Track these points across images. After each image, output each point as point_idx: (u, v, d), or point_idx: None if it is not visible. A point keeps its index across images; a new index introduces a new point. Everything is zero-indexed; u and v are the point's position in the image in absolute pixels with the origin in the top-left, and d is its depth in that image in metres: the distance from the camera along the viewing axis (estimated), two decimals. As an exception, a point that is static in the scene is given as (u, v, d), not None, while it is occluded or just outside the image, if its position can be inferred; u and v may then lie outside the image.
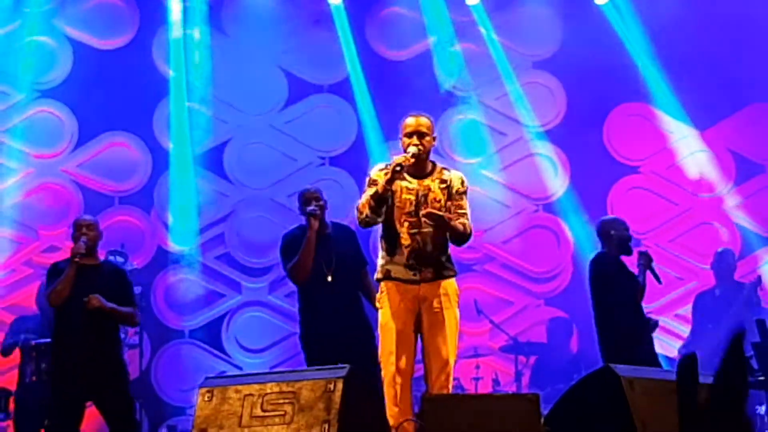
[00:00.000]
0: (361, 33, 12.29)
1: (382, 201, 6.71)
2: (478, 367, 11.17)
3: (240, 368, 11.66)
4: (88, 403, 8.25)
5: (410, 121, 6.87)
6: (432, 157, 7.00)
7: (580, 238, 12.08)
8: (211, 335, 11.98)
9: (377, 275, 6.91)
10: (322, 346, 8.14)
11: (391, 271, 6.82)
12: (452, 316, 6.78)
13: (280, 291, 12.03)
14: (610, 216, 9.58)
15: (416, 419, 6.41)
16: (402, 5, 12.38)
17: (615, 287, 8.82)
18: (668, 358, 10.32)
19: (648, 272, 8.95)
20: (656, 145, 12.42)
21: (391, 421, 6.59)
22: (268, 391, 6.14)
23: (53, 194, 11.91)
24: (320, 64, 12.32)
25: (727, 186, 12.26)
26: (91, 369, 8.06)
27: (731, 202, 12.22)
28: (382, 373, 6.76)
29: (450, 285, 6.83)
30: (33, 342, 9.51)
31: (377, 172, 6.79)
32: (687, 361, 5.51)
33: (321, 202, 8.36)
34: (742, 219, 12.18)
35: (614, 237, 9.00)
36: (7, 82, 11.85)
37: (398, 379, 6.70)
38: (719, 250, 11.30)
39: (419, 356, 6.85)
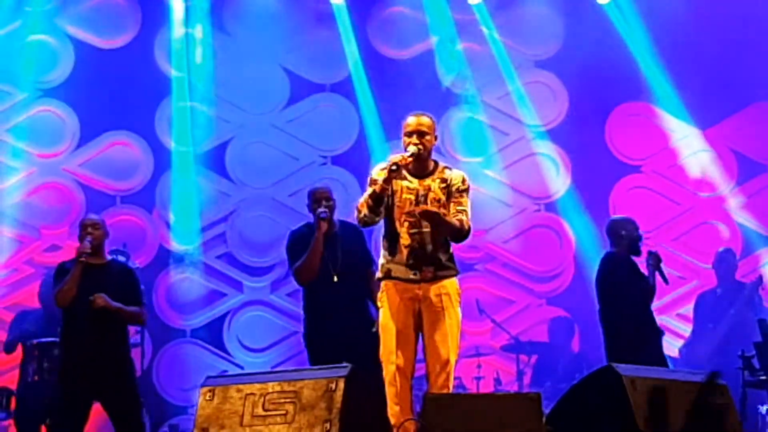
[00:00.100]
0: (363, 32, 12.28)
1: (380, 200, 6.70)
2: (479, 366, 11.16)
3: (241, 367, 11.66)
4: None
5: (411, 121, 6.87)
6: (434, 156, 6.99)
7: (582, 238, 12.09)
8: (213, 334, 11.97)
9: (378, 274, 6.92)
10: (326, 345, 8.13)
11: (392, 270, 6.82)
12: (453, 315, 6.78)
13: (282, 290, 12.03)
14: (620, 216, 9.56)
15: (418, 418, 6.41)
16: (404, 4, 12.37)
17: (626, 288, 8.81)
18: (670, 358, 10.31)
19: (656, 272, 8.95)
20: (658, 145, 12.41)
21: (392, 420, 6.60)
22: (270, 390, 6.15)
23: (55, 193, 11.90)
24: (322, 63, 12.32)
25: (729, 185, 12.25)
26: (97, 369, 8.05)
27: (733, 201, 12.21)
28: (383, 372, 6.75)
29: (451, 284, 6.83)
30: (35, 341, 9.51)
31: (378, 171, 6.79)
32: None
33: (331, 202, 8.33)
34: (743, 218, 12.17)
35: (625, 237, 9.01)
36: (9, 81, 11.84)
37: (398, 378, 6.70)
38: (720, 249, 11.30)
39: (421, 355, 6.86)
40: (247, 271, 12.10)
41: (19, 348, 9.87)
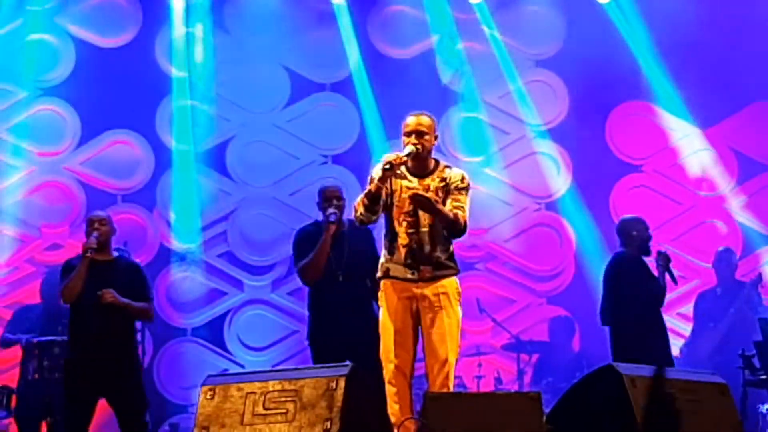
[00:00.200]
0: (363, 31, 12.29)
1: (376, 199, 6.70)
2: (480, 365, 11.17)
3: (242, 366, 11.65)
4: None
5: (410, 120, 6.87)
6: (434, 155, 6.99)
7: (583, 237, 12.10)
8: (214, 333, 11.98)
9: (378, 273, 6.93)
10: (329, 344, 8.13)
11: (390, 269, 6.84)
12: (452, 314, 6.78)
13: (283, 289, 12.04)
14: (630, 215, 9.54)
15: (418, 417, 6.42)
16: (405, 3, 12.38)
17: (637, 288, 8.80)
18: (670, 357, 10.33)
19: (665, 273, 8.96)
20: (659, 144, 12.42)
21: (392, 419, 6.61)
22: (270, 389, 6.15)
23: (56, 192, 11.91)
24: (323, 62, 12.32)
25: (729, 185, 12.26)
26: (104, 365, 8.05)
27: (733, 200, 12.22)
28: (383, 371, 6.76)
29: (450, 283, 6.83)
30: (35, 339, 9.51)
31: (376, 170, 6.80)
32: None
33: (341, 201, 8.32)
34: (744, 218, 12.18)
35: (636, 237, 9.03)
36: (10, 80, 11.85)
37: (397, 377, 6.72)
38: (720, 248, 11.31)
39: (421, 354, 6.86)
40: (248, 270, 12.11)
41: (18, 346, 9.86)
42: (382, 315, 6.85)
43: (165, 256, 11.84)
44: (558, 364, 11.33)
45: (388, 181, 6.80)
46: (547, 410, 6.38)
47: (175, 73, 12.04)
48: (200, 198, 12.00)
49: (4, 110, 11.83)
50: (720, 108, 12.18)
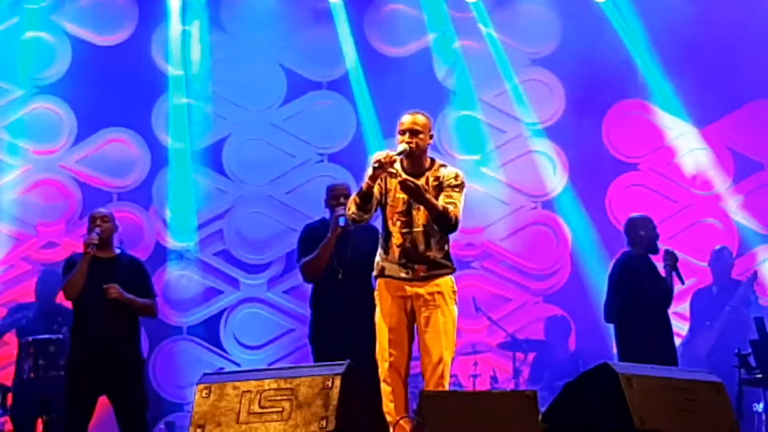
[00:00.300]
0: (360, 29, 12.28)
1: (367, 198, 6.70)
2: (476, 364, 11.17)
3: (238, 365, 11.66)
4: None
5: (405, 119, 6.86)
6: (431, 154, 6.98)
7: (579, 236, 12.10)
8: (209, 331, 11.98)
9: (374, 272, 6.92)
10: (329, 342, 8.12)
11: (386, 268, 6.84)
12: (446, 313, 6.77)
13: (279, 287, 12.04)
14: (638, 214, 9.53)
15: (414, 416, 6.42)
16: (401, 2, 12.38)
17: (644, 289, 8.80)
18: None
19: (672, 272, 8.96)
20: (655, 143, 12.42)
21: (388, 418, 6.61)
22: (266, 387, 6.14)
23: (52, 190, 11.90)
24: (319, 60, 12.32)
25: (725, 183, 12.27)
26: (108, 363, 8.04)
27: (730, 199, 12.23)
28: (379, 370, 6.77)
29: (444, 282, 6.82)
30: (31, 338, 9.50)
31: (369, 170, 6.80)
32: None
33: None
34: (740, 216, 12.18)
35: (643, 237, 9.02)
36: (5, 77, 11.84)
37: (392, 376, 6.73)
38: (716, 247, 11.30)
39: (417, 353, 6.86)
40: (244, 269, 12.10)
41: (15, 344, 9.86)
42: (378, 314, 6.85)
43: (161, 255, 11.83)
44: (554, 362, 11.34)
45: (384, 180, 6.79)
46: (542, 409, 6.38)
47: (172, 71, 12.03)
48: (196, 196, 11.99)
49: (0, 108, 11.82)
50: (716, 106, 12.18)
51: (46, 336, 9.51)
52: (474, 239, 12.12)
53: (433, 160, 6.95)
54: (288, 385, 6.11)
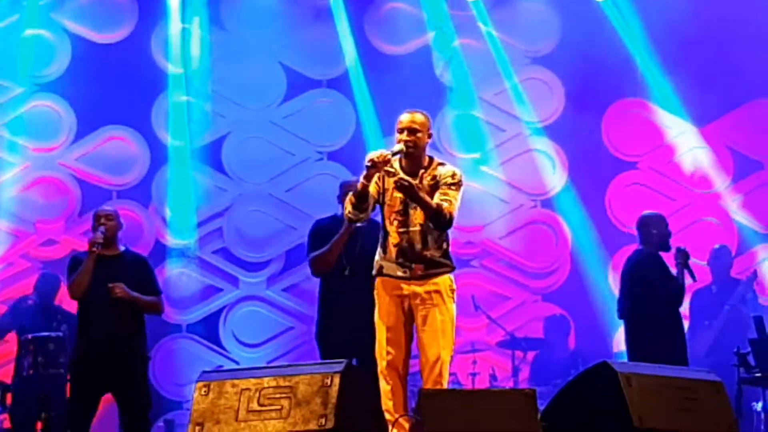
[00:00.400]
0: (360, 28, 12.28)
1: (363, 197, 6.70)
2: (475, 362, 11.16)
3: (237, 363, 11.66)
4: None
5: (404, 117, 6.85)
6: (430, 152, 6.98)
7: (578, 235, 12.10)
8: (209, 329, 11.98)
9: (373, 271, 6.92)
10: (336, 338, 8.11)
11: (384, 267, 6.83)
12: (444, 311, 6.75)
13: (278, 285, 12.05)
14: (651, 212, 9.51)
15: (413, 414, 6.42)
16: (401, 0, 12.37)
17: (655, 287, 8.78)
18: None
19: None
20: (654, 141, 12.42)
21: (387, 416, 6.61)
22: (265, 385, 6.15)
23: (51, 188, 11.91)
24: (319, 58, 12.32)
25: (725, 182, 12.26)
26: (113, 362, 8.03)
27: (729, 198, 12.22)
28: (378, 368, 6.77)
29: (442, 281, 6.80)
30: (30, 335, 9.51)
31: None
32: None
33: None
34: (739, 215, 12.18)
35: (656, 235, 9.00)
36: (5, 75, 11.84)
37: (391, 374, 6.72)
38: (716, 246, 11.29)
39: (417, 351, 6.86)
40: (243, 267, 12.11)
41: (15, 342, 9.87)
42: (376, 313, 6.85)
43: (160, 253, 11.83)
44: (553, 361, 11.34)
45: (381, 179, 6.79)
46: (541, 407, 6.38)
47: (171, 69, 12.04)
48: (196, 194, 11.99)
49: (0, 105, 11.81)
50: (716, 105, 12.17)
51: (46, 334, 9.51)
52: (473, 237, 12.13)
53: (431, 159, 6.94)
54: (287, 383, 6.12)
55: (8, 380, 9.79)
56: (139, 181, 12.01)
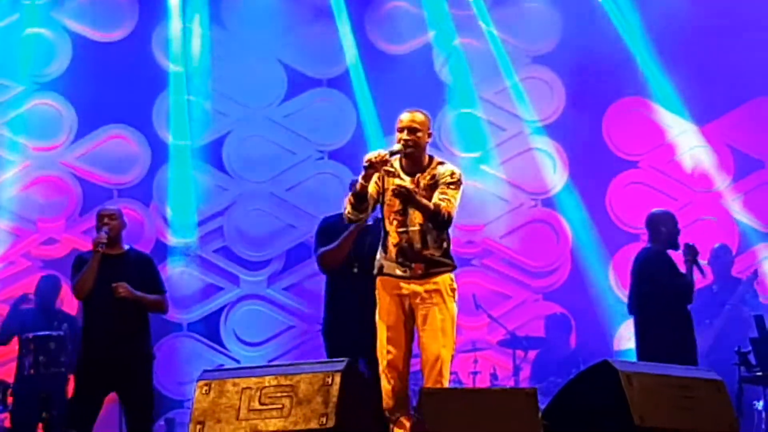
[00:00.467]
0: (360, 27, 12.28)
1: (361, 198, 6.72)
2: (476, 361, 11.17)
3: (238, 361, 11.67)
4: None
5: (404, 117, 6.84)
6: (430, 151, 6.97)
7: (579, 233, 12.10)
8: (210, 328, 11.98)
9: (374, 270, 6.92)
10: (343, 335, 8.11)
11: (384, 266, 6.84)
12: (444, 310, 6.74)
13: (279, 284, 12.06)
14: (660, 210, 9.49)
15: (414, 413, 6.42)
16: (402, -1, 12.40)
17: (662, 285, 8.77)
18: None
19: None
20: (655, 140, 12.42)
21: (387, 415, 6.61)
22: (266, 384, 6.15)
23: (52, 186, 11.91)
24: (320, 57, 12.32)
25: (726, 181, 12.26)
26: (117, 362, 8.03)
27: (730, 197, 12.22)
28: (379, 367, 6.77)
29: (442, 280, 6.80)
30: (31, 335, 9.51)
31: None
32: None
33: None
34: (740, 214, 12.18)
35: (664, 233, 8.98)
36: (6, 74, 11.84)
37: (391, 373, 6.73)
38: (716, 245, 11.28)
39: (418, 350, 6.87)
40: (244, 265, 12.11)
41: (16, 341, 9.87)
42: (377, 312, 6.86)
43: (161, 251, 11.83)
44: (554, 360, 11.34)
45: (381, 179, 6.79)
46: (542, 406, 6.38)
47: (172, 68, 12.04)
48: (197, 193, 12.00)
49: (1, 104, 11.82)
50: (717, 104, 12.18)
51: (47, 333, 9.51)
52: (474, 236, 12.13)
53: (431, 158, 6.93)
54: (288, 382, 6.12)
55: (10, 379, 9.78)
56: (139, 180, 12.01)
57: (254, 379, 6.19)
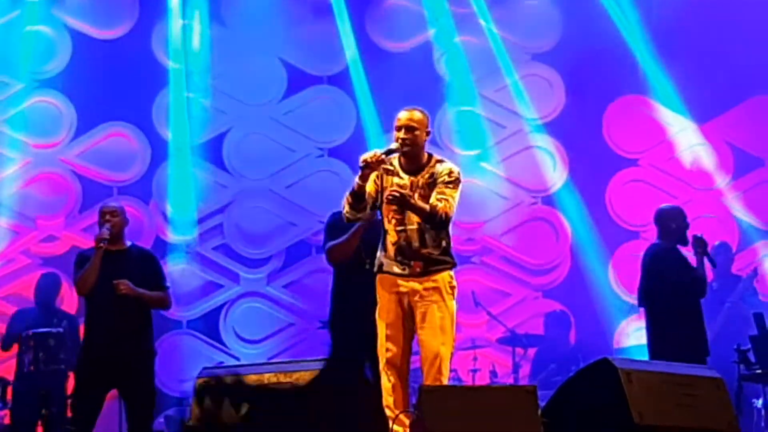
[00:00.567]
0: (360, 24, 12.28)
1: (358, 197, 6.72)
2: (475, 358, 11.17)
3: (238, 359, 11.67)
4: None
5: (402, 115, 6.84)
6: (429, 149, 6.97)
7: (579, 231, 12.10)
8: (209, 326, 11.99)
9: (374, 268, 6.92)
10: (350, 330, 8.09)
11: (384, 264, 6.85)
12: (443, 308, 6.75)
13: (278, 282, 12.06)
14: (669, 205, 9.45)
15: (413, 410, 6.42)
16: (402, -4, 12.40)
17: (672, 282, 8.74)
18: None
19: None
20: (655, 138, 12.42)
21: (387, 412, 6.62)
22: (266, 381, 6.15)
23: (52, 184, 11.91)
24: (319, 55, 12.32)
25: (725, 179, 12.26)
26: (119, 359, 8.01)
27: (730, 195, 12.22)
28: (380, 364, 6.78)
29: (442, 278, 6.80)
30: (31, 332, 9.51)
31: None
32: None
33: None
34: (740, 212, 12.18)
35: (674, 229, 8.94)
36: (6, 71, 11.85)
37: (391, 371, 6.73)
38: (716, 243, 11.27)
39: (417, 348, 6.87)
40: (244, 263, 12.11)
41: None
42: (377, 309, 6.86)
43: (161, 249, 11.82)
44: (553, 357, 11.33)
45: (380, 178, 6.80)
46: (542, 404, 6.39)
47: (172, 65, 12.04)
48: (196, 190, 12.00)
49: (1, 102, 11.82)
50: (717, 102, 12.17)
51: (46, 330, 9.51)
52: (474, 234, 12.13)
53: (430, 156, 6.93)
54: (288, 379, 6.12)
55: (10, 376, 9.78)
56: (139, 177, 12.01)
57: (254, 377, 6.20)
